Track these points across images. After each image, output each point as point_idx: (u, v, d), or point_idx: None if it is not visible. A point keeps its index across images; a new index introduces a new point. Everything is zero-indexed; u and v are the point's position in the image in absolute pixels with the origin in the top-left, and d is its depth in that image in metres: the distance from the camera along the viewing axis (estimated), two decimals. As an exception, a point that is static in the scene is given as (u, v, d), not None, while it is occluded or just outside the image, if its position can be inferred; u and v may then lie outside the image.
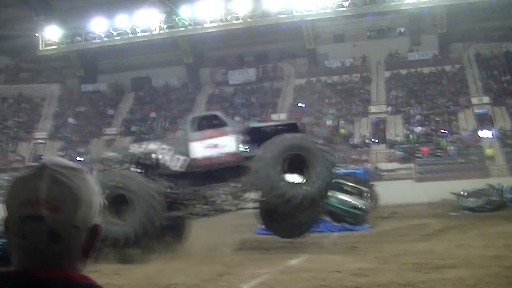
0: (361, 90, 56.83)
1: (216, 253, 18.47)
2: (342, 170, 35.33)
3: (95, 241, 1.72)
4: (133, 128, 58.44)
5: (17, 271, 1.65)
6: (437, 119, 51.19)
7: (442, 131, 49.05)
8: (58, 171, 1.69)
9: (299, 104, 55.93)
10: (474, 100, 51.52)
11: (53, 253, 1.65)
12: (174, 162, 18.53)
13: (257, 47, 61.10)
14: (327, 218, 24.97)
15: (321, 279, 12.28)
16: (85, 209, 1.67)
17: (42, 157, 55.74)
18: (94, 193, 1.72)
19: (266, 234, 23.56)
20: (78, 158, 50.87)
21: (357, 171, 37.48)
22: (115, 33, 58.16)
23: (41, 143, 59.38)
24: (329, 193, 26.92)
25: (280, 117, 54.28)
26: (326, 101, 56.10)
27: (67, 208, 1.64)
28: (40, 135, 60.19)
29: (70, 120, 61.38)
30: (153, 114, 60.14)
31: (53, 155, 54.92)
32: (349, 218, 26.32)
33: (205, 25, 56.05)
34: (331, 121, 53.16)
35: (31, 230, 1.63)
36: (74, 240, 1.67)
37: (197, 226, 28.00)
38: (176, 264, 16.13)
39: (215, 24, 55.59)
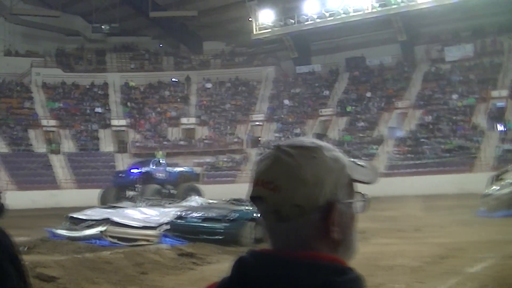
0: None
1: (434, 234, 18.05)
2: (178, 169, 40.08)
3: (331, 219, 1.65)
4: (349, 108, 58.58)
5: (268, 250, 1.68)
6: None
7: None
8: (286, 150, 1.68)
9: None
10: None
11: (286, 233, 1.65)
12: None
13: (474, 21, 58.36)
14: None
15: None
16: (310, 188, 1.63)
17: (259, 138, 58.24)
18: (328, 170, 1.67)
19: (487, 216, 22.52)
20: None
21: (189, 170, 40.99)
22: (327, 14, 58.62)
23: (258, 125, 61.32)
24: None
25: (501, 94, 51.77)
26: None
27: (286, 187, 1.63)
28: (257, 117, 62.02)
29: (286, 101, 62.79)
30: (368, 94, 59.86)
31: (269, 137, 56.86)
32: None
33: (418, 1, 54.85)
34: None
35: (260, 210, 1.69)
36: (301, 219, 1.63)
37: (408, 207, 27.46)
38: (394, 246, 15.95)
39: (429, 0, 54.20)
